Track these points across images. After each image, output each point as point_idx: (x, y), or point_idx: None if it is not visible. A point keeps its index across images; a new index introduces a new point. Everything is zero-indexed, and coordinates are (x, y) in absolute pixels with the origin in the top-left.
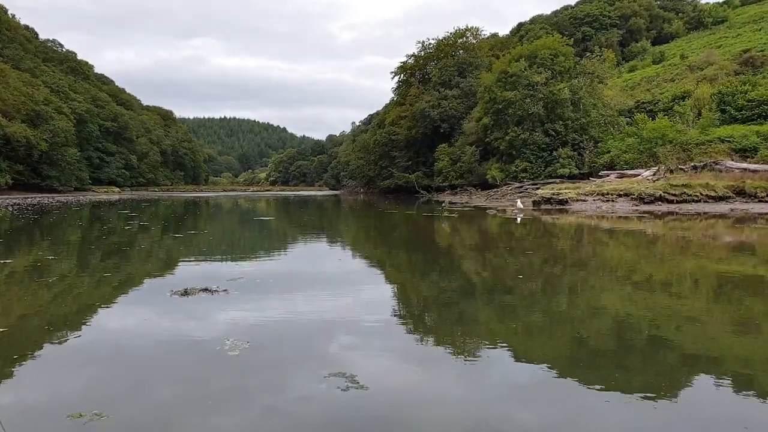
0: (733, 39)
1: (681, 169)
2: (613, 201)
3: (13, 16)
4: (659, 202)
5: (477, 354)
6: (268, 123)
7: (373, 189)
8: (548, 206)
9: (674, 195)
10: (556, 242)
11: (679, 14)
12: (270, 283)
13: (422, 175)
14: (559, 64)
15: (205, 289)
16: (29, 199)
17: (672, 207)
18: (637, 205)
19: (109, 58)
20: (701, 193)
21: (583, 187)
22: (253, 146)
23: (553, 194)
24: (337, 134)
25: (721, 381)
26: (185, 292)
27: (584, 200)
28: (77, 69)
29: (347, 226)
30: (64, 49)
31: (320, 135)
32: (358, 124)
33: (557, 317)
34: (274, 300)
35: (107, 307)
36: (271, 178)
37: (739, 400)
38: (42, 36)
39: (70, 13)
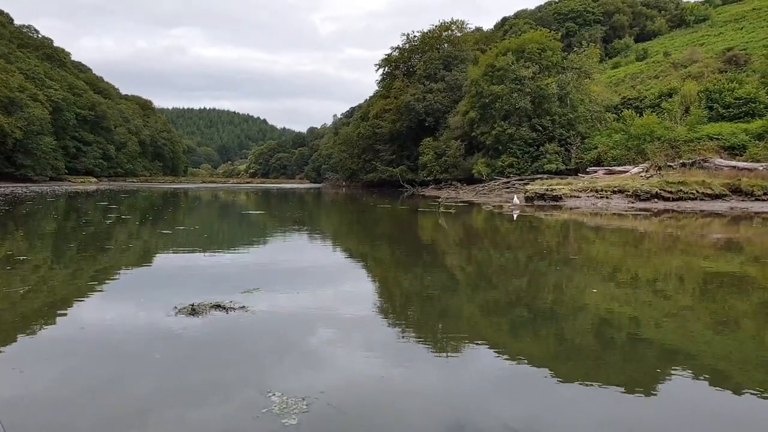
0: (716, 37)
1: (670, 166)
2: (607, 198)
3: None
4: (655, 200)
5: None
6: (248, 114)
7: (355, 182)
8: (541, 202)
9: (670, 192)
10: (566, 242)
11: (662, 12)
12: (298, 299)
13: (406, 169)
14: (547, 58)
15: (218, 306)
16: (1, 189)
17: (668, 204)
18: (632, 203)
19: (87, 46)
20: (697, 191)
21: (575, 183)
22: (232, 138)
23: (547, 190)
24: (319, 126)
25: (698, 376)
26: (193, 311)
27: (578, 197)
28: (53, 56)
29: (346, 224)
30: (39, 36)
31: (301, 127)
32: (339, 116)
33: (613, 318)
34: (321, 327)
35: (96, 340)
36: (251, 170)
37: (715, 394)
38: (17, 22)
39: None
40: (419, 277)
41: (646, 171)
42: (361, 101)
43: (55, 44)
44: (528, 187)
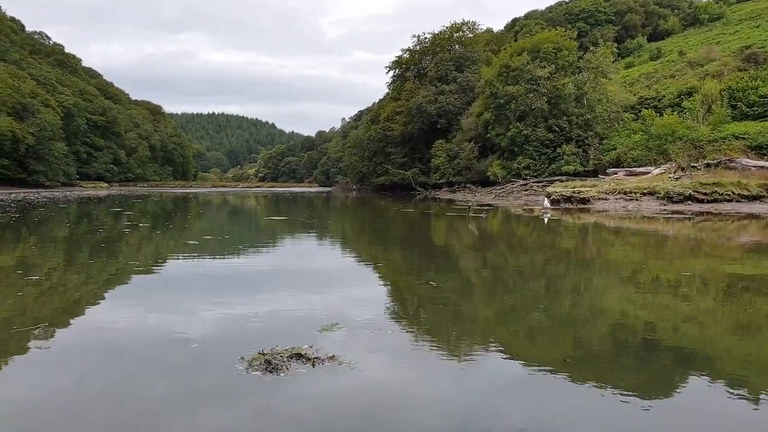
0: (731, 35)
1: (693, 166)
2: (637, 200)
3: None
4: (688, 202)
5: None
6: (256, 119)
7: (366, 186)
8: (568, 205)
9: (704, 194)
10: (613, 248)
11: (675, 11)
12: (399, 342)
13: (418, 172)
14: (563, 58)
15: (298, 356)
16: (13, 195)
17: (704, 207)
18: (665, 205)
19: (96, 52)
20: (733, 192)
21: (600, 184)
22: (241, 142)
23: (573, 192)
24: (327, 130)
25: (716, 382)
26: (269, 366)
27: (606, 199)
28: (65, 62)
29: (381, 232)
30: (51, 42)
31: (308, 131)
32: (347, 120)
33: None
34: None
35: (141, 411)
36: (260, 174)
37: (733, 401)
38: (29, 29)
39: (57, 5)
40: (528, 300)
41: (674, 172)
42: (369, 104)
43: (66, 50)
44: (550, 189)
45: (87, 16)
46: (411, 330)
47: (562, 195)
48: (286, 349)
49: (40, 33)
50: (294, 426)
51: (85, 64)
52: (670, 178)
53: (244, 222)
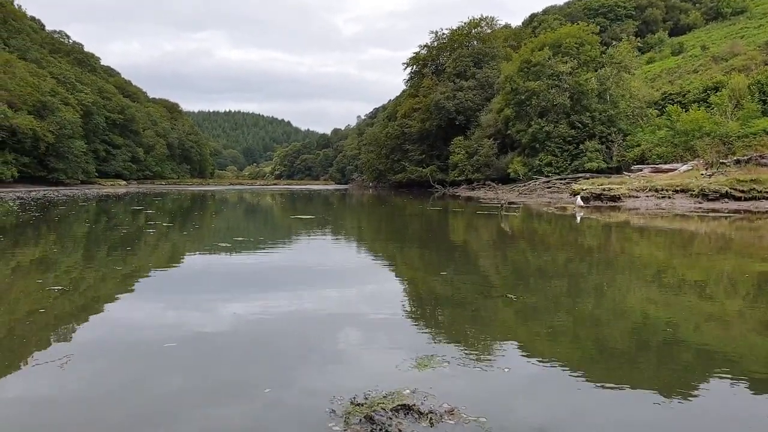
0: (756, 29)
1: (722, 163)
2: (670, 198)
3: (20, 6)
4: (725, 200)
5: None
6: (272, 117)
7: (383, 183)
8: (597, 203)
9: (742, 192)
10: (662, 249)
11: (696, 5)
12: (519, 379)
13: (436, 169)
14: (585, 53)
15: (405, 408)
16: (33, 193)
17: (742, 205)
18: (700, 203)
19: (114, 51)
20: None
21: (628, 182)
22: (257, 140)
23: (604, 190)
24: (342, 128)
25: (737, 381)
26: (372, 424)
27: (636, 196)
28: (84, 61)
29: (419, 233)
30: (70, 41)
31: (324, 128)
32: (363, 117)
33: None
34: None
35: None
36: (277, 172)
37: (754, 400)
38: (49, 28)
39: (77, 4)
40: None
41: (705, 169)
42: (384, 101)
43: (85, 49)
44: (576, 186)
45: (107, 15)
46: (529, 362)
47: (592, 193)
48: (384, 397)
49: (60, 32)
50: None
51: (104, 62)
52: (702, 175)
53: (274, 222)
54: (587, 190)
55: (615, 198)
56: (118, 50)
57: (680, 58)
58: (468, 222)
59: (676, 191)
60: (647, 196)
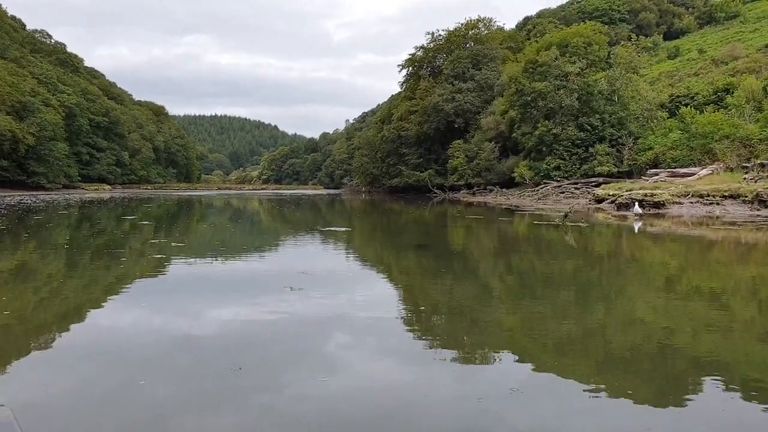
0: (751, 33)
1: (744, 167)
2: (718, 204)
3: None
4: None
5: None
6: (259, 121)
7: (377, 188)
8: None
9: None
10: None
11: (690, 9)
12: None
13: (434, 173)
14: (593, 53)
15: None
16: (8, 198)
17: None
18: (757, 209)
19: (102, 54)
20: None
21: (664, 187)
22: (244, 144)
23: (645, 196)
24: (331, 132)
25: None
26: None
27: (680, 203)
28: (66, 61)
29: (461, 245)
30: (52, 41)
31: (314, 133)
32: (352, 122)
33: None
34: None
35: None
36: (264, 177)
37: (749, 407)
38: (31, 29)
39: (62, 8)
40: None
41: (747, 173)
42: (374, 106)
43: (69, 50)
44: (600, 192)
45: (93, 19)
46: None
47: (632, 199)
48: None
49: (41, 32)
50: None
51: (90, 65)
52: (744, 179)
53: (288, 231)
54: (626, 196)
55: (659, 204)
56: (106, 54)
57: (677, 61)
58: (569, 243)
59: (724, 197)
60: (691, 203)
